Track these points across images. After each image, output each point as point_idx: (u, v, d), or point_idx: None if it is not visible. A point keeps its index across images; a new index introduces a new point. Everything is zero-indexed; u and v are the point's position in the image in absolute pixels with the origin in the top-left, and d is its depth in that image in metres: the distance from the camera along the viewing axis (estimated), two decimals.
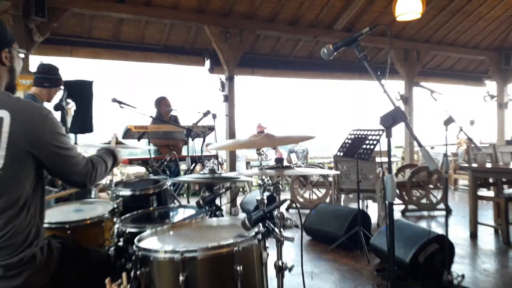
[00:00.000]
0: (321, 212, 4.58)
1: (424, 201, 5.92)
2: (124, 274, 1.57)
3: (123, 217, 2.27)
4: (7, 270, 1.38)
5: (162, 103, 5.46)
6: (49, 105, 3.51)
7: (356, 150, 3.92)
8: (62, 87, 3.51)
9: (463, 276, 3.23)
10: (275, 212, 1.64)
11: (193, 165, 4.78)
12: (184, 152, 5.34)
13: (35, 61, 4.54)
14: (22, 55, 1.68)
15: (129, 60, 6.65)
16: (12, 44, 1.59)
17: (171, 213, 2.49)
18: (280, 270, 1.67)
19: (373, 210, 5.50)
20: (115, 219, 2.28)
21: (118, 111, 3.72)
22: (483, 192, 4.67)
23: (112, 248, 1.93)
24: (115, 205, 2.41)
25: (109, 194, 2.97)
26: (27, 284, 1.41)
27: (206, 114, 4.59)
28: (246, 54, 6.80)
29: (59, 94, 3.59)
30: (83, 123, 4.43)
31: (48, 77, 3.36)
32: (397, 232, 3.00)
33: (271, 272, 1.69)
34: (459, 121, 3.08)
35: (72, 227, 2.07)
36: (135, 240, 1.63)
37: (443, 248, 3.04)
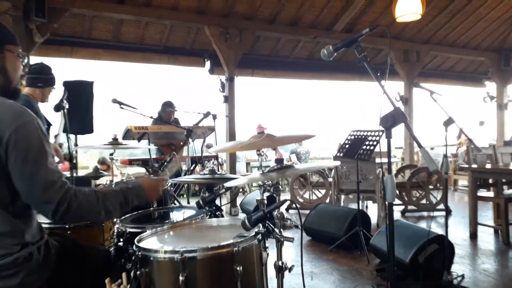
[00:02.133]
0: (321, 212, 4.59)
1: (424, 201, 5.93)
2: (124, 274, 1.57)
3: (123, 217, 2.27)
4: (3, 270, 1.36)
5: (167, 111, 5.37)
6: (49, 105, 3.51)
7: (356, 150, 3.92)
8: (55, 86, 3.49)
9: (462, 276, 3.24)
10: (275, 213, 1.64)
11: (193, 165, 4.78)
12: (184, 153, 5.34)
13: (35, 62, 4.55)
14: (26, 60, 1.59)
15: (129, 61, 6.66)
16: (5, 44, 1.50)
17: (171, 214, 2.49)
18: (280, 270, 1.67)
19: (373, 210, 5.51)
20: (115, 219, 2.28)
21: (118, 112, 3.73)
22: (482, 192, 4.67)
23: (112, 248, 1.94)
24: None
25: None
26: (24, 284, 1.39)
27: (206, 115, 4.59)
28: (246, 55, 6.80)
29: (59, 95, 3.59)
30: (83, 123, 4.44)
31: (40, 77, 3.33)
32: (397, 233, 3.00)
33: (271, 272, 1.69)
34: (459, 122, 3.08)
35: (72, 227, 2.07)
36: (135, 240, 1.64)
37: (443, 248, 3.05)
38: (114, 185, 1.73)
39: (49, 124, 3.57)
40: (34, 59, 4.99)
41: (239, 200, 6.19)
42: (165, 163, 4.01)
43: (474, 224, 4.41)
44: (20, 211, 1.42)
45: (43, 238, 1.52)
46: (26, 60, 1.61)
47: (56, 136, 3.71)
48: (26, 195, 1.38)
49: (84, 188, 1.46)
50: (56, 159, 3.52)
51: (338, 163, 5.24)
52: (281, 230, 1.67)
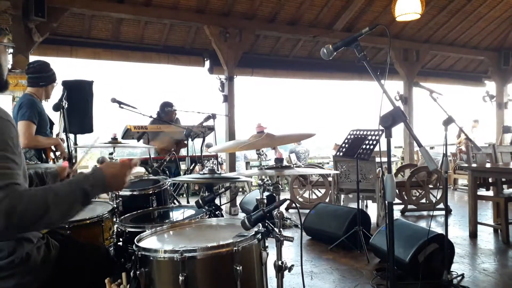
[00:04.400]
0: (321, 212, 4.58)
1: (423, 201, 5.93)
2: (123, 274, 1.57)
3: (122, 217, 2.27)
4: None
5: (167, 111, 5.30)
6: (48, 105, 3.52)
7: (355, 150, 3.92)
8: (57, 81, 3.49)
9: (462, 275, 3.24)
10: (275, 212, 1.64)
11: (193, 165, 4.78)
12: (183, 152, 5.33)
13: (33, 61, 4.54)
14: (10, 50, 1.55)
15: (129, 60, 6.64)
16: None
17: (170, 213, 2.49)
18: (280, 269, 1.67)
19: (372, 210, 5.51)
20: (114, 219, 2.28)
21: (117, 111, 3.73)
22: (482, 192, 4.67)
23: (111, 248, 1.94)
24: (115, 205, 2.41)
25: (108, 194, 2.97)
26: (19, 286, 1.36)
27: (207, 118, 4.55)
28: (245, 54, 6.79)
29: (58, 94, 3.58)
30: (82, 123, 4.44)
31: (42, 76, 3.33)
32: (397, 232, 3.00)
33: (271, 271, 1.69)
34: (459, 121, 3.08)
35: (72, 227, 2.07)
36: (135, 240, 1.64)
37: (442, 247, 3.05)
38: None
39: (51, 123, 3.57)
40: (33, 59, 4.99)
41: (238, 200, 6.19)
42: (165, 162, 4.02)
43: (473, 223, 4.42)
44: None
45: (43, 238, 1.50)
46: (11, 50, 1.57)
47: (57, 135, 3.71)
48: None
49: (31, 188, 1.28)
50: (57, 153, 3.53)
51: (337, 172, 5.24)
52: (281, 229, 1.67)
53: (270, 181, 1.90)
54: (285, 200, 1.72)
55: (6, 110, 1.33)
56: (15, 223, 1.11)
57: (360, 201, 4.34)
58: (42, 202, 1.17)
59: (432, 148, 9.94)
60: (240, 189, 8.34)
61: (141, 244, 1.60)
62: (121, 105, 3.68)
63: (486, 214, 5.49)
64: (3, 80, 1.51)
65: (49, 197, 1.19)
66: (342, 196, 5.69)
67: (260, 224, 1.64)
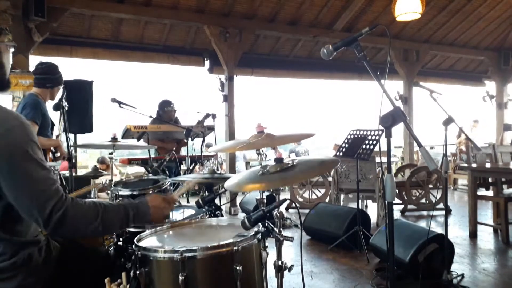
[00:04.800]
0: (321, 211, 4.58)
1: (423, 200, 5.93)
2: (123, 274, 1.57)
3: None
4: (0, 273, 1.33)
5: (166, 110, 5.31)
6: (48, 105, 3.51)
7: (355, 150, 3.92)
8: (62, 85, 3.50)
9: (462, 275, 3.24)
10: (275, 212, 1.64)
11: (193, 165, 4.78)
12: (183, 152, 5.33)
13: (35, 61, 4.54)
14: (12, 49, 1.56)
15: (129, 60, 6.65)
16: None
17: (170, 213, 2.49)
18: (280, 269, 1.67)
19: (372, 209, 5.51)
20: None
21: (117, 111, 3.73)
22: (482, 192, 4.67)
23: (111, 248, 1.93)
24: None
25: (108, 194, 2.97)
26: (21, 287, 1.36)
27: (206, 117, 4.56)
28: (245, 54, 6.79)
29: (58, 94, 3.59)
30: (82, 123, 4.44)
31: (49, 77, 3.35)
32: (397, 232, 2.99)
33: (271, 271, 1.69)
34: (459, 121, 3.08)
35: None
36: (135, 240, 1.63)
37: (442, 247, 3.05)
38: (119, 200, 1.67)
39: (53, 124, 3.57)
40: (33, 59, 5.00)
41: (238, 200, 6.19)
42: (165, 162, 4.01)
43: (473, 223, 4.42)
44: (17, 211, 1.40)
45: (44, 238, 1.50)
46: (12, 50, 1.57)
47: (57, 137, 3.71)
48: (16, 205, 1.29)
49: (83, 200, 1.38)
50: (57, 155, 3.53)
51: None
52: (281, 229, 1.66)
53: None
54: (285, 200, 1.72)
55: (6, 110, 1.35)
56: (66, 231, 1.29)
57: (360, 201, 4.34)
58: (91, 214, 1.34)
59: (432, 148, 9.94)
60: None
61: (141, 243, 1.60)
62: (121, 105, 3.68)
63: (486, 214, 5.49)
64: (6, 79, 1.51)
65: (99, 212, 1.35)
66: (342, 196, 5.69)
67: (260, 224, 1.64)
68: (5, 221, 1.34)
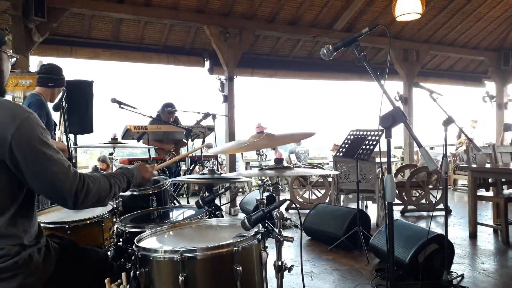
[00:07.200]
0: (321, 212, 4.58)
1: (423, 201, 5.93)
2: (123, 274, 1.57)
3: (122, 217, 2.27)
4: (1, 272, 1.34)
5: (166, 111, 5.31)
6: (48, 105, 3.51)
7: (355, 150, 3.92)
8: (64, 88, 3.51)
9: (462, 276, 3.24)
10: (275, 212, 1.64)
11: (193, 165, 4.78)
12: (183, 153, 5.33)
13: (35, 62, 4.54)
14: (13, 60, 1.61)
15: (129, 60, 6.65)
16: (1, 46, 1.53)
17: (170, 213, 2.49)
18: (280, 270, 1.67)
19: (372, 210, 5.51)
20: (114, 219, 2.28)
21: (117, 111, 3.73)
22: (482, 192, 4.67)
23: (111, 248, 1.94)
24: (115, 205, 2.41)
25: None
26: (22, 286, 1.37)
27: (206, 115, 4.57)
28: (245, 54, 6.80)
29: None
30: (82, 123, 4.43)
31: (52, 77, 3.37)
32: (397, 232, 3.00)
33: (271, 272, 1.69)
34: (459, 121, 3.08)
35: (72, 227, 2.07)
36: (135, 240, 1.64)
37: (442, 248, 3.05)
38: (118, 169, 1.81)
39: (55, 125, 3.57)
40: (33, 59, 5.00)
41: (238, 200, 6.19)
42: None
43: (473, 224, 4.42)
44: (21, 213, 1.41)
45: (43, 239, 1.52)
46: (13, 60, 1.62)
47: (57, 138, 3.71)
48: (43, 191, 1.43)
49: (93, 174, 1.54)
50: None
51: (337, 172, 5.24)
52: (281, 230, 1.67)
53: (270, 182, 1.90)
54: (285, 200, 1.72)
55: (15, 103, 1.45)
56: (90, 204, 1.47)
57: (360, 201, 4.33)
58: (106, 182, 1.54)
59: (432, 148, 9.95)
60: (240, 190, 8.34)
61: (141, 244, 1.60)
62: (121, 105, 3.68)
63: (486, 214, 5.49)
64: (3, 87, 1.56)
65: (110, 178, 1.57)
66: (342, 196, 5.70)
67: (260, 224, 1.64)
68: (16, 216, 1.40)
